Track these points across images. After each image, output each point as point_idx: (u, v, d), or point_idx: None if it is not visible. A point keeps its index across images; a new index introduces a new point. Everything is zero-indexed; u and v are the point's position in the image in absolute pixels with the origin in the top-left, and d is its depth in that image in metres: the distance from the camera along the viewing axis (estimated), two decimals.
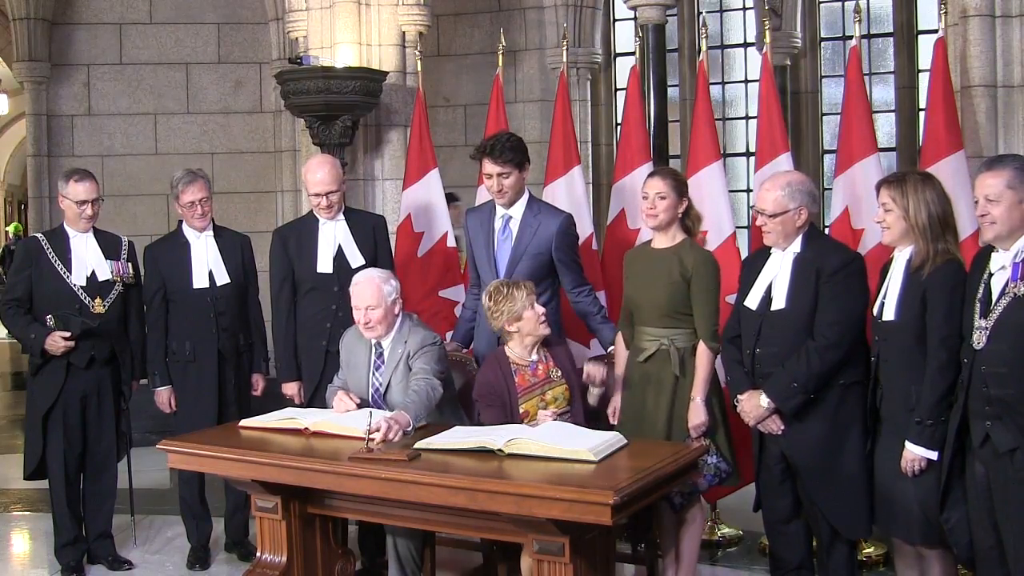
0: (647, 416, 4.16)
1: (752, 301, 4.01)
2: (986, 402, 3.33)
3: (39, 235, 5.00)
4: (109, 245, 4.92)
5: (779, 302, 3.93)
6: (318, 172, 4.73)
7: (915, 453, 3.56)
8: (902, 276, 3.69)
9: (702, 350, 4.09)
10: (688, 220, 4.23)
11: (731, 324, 4.12)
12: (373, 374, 4.21)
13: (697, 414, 4.08)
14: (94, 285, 4.81)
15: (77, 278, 4.78)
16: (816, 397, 3.86)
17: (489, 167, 4.46)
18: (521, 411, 4.08)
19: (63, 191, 4.83)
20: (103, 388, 4.87)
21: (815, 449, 3.89)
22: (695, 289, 4.09)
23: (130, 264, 4.94)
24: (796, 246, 3.95)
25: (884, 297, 3.74)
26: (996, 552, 3.37)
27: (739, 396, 4.02)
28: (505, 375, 4.10)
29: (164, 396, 4.98)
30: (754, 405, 3.95)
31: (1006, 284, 3.33)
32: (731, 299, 4.31)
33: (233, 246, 5.04)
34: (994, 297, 3.35)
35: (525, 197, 4.57)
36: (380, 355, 4.20)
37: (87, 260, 4.83)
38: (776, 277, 3.97)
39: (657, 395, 4.14)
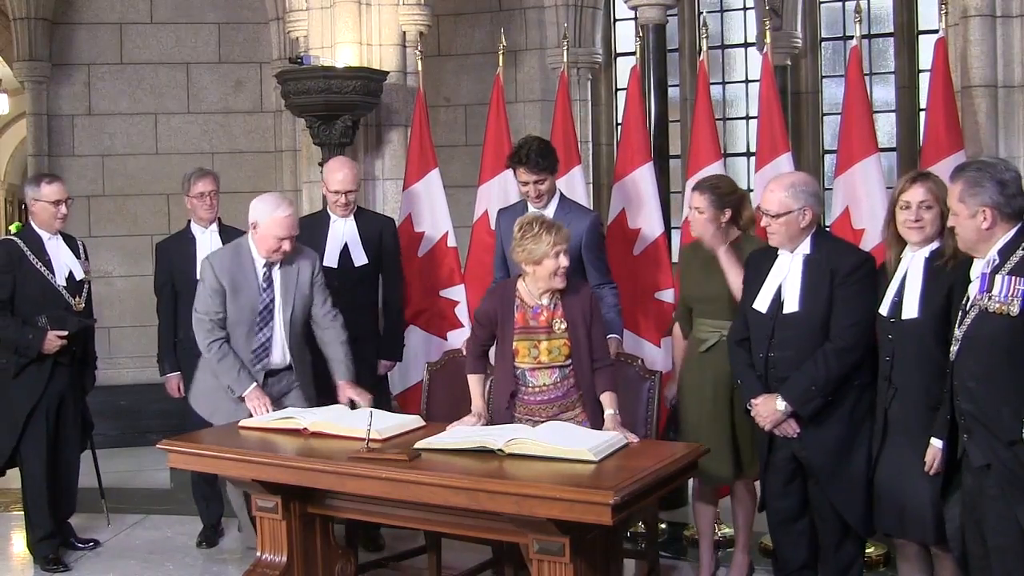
0: (705, 404, 4.31)
1: (761, 304, 3.95)
2: (960, 415, 3.27)
3: (14, 238, 5.10)
4: (72, 245, 5.10)
5: (791, 305, 3.88)
6: (339, 172, 5.00)
7: (940, 448, 3.46)
8: (922, 274, 3.61)
9: None
10: (741, 221, 4.33)
11: (737, 327, 4.07)
12: (262, 293, 4.39)
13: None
14: (73, 284, 5.01)
15: (59, 278, 4.95)
16: (833, 399, 3.82)
17: (525, 175, 4.55)
18: (513, 348, 3.99)
19: (35, 195, 4.98)
20: (74, 383, 5.08)
21: (832, 450, 3.84)
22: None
23: (88, 262, 5.14)
24: (805, 247, 3.91)
25: (897, 296, 3.65)
26: (987, 563, 3.27)
27: (753, 400, 3.95)
28: (505, 307, 4.01)
29: (173, 383, 5.31)
30: (771, 409, 3.88)
31: (976, 295, 3.24)
32: None
33: None
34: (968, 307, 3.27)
35: (556, 196, 4.69)
36: (268, 276, 4.38)
37: (63, 261, 5.00)
38: (786, 279, 3.91)
39: (716, 384, 4.27)
